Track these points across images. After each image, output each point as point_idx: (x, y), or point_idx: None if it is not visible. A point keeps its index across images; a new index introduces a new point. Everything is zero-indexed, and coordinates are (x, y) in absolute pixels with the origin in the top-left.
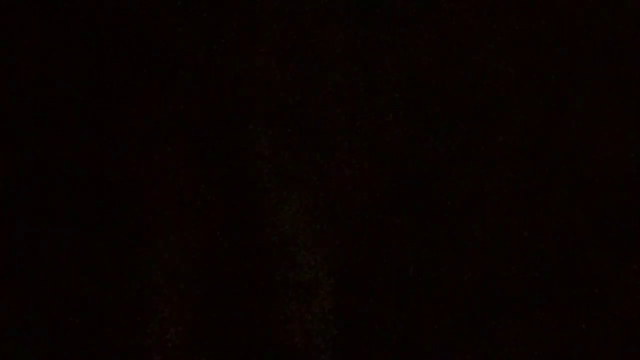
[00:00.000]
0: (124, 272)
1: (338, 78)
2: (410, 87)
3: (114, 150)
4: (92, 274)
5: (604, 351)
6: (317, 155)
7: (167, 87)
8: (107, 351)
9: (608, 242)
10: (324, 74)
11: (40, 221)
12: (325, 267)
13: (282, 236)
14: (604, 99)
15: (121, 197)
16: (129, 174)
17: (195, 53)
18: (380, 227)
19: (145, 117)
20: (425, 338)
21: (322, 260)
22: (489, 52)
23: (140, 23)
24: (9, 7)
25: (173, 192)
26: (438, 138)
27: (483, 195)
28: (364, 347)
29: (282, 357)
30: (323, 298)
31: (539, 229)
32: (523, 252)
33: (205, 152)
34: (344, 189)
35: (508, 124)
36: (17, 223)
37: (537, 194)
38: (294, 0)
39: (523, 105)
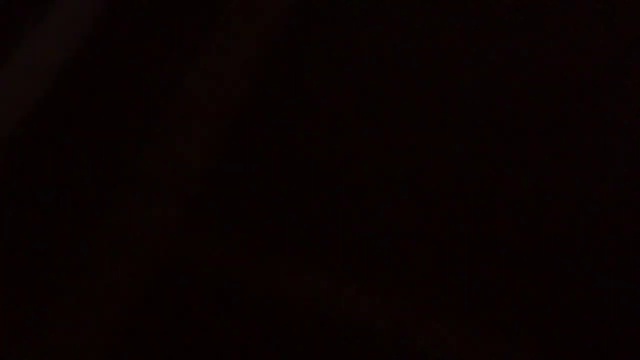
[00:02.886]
0: None
1: (338, 77)
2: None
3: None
4: None
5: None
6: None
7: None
8: None
9: (609, 243)
10: (323, 71)
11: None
12: None
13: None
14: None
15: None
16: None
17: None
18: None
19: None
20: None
21: None
22: (494, 49)
23: (140, 23)
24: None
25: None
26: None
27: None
28: None
29: None
30: None
31: (546, 228)
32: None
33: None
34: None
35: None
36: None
37: (546, 194)
38: None
39: (533, 104)
